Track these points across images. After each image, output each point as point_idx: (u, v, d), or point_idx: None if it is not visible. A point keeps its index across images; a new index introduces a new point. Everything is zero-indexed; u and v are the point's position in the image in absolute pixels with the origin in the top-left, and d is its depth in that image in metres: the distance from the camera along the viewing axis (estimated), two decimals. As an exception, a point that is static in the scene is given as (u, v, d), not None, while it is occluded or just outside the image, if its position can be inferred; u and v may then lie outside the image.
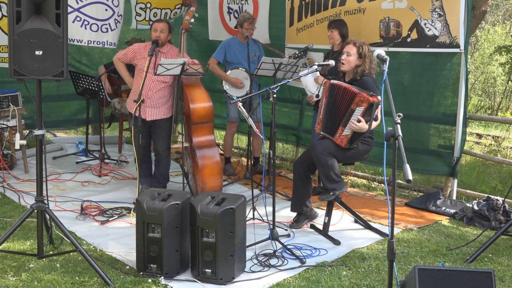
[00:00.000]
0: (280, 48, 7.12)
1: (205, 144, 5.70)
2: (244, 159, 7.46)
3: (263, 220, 5.16)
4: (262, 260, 4.34)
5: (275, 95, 4.63)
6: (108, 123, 8.11)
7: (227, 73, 6.66)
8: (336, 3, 6.32)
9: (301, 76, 5.38)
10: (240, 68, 6.59)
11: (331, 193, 4.83)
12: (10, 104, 6.53)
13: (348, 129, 4.74)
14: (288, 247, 4.55)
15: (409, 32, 5.78)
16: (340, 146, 4.83)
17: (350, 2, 6.17)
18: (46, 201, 3.99)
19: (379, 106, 4.70)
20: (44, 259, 4.14)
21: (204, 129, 5.74)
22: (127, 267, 4.17)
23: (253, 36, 6.68)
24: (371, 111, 4.63)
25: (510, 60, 12.38)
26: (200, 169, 5.59)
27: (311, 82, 5.69)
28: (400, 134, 3.17)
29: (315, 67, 5.10)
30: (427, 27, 5.65)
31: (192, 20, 5.97)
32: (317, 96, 5.32)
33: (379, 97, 4.75)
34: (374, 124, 4.77)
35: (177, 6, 8.12)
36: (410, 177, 3.05)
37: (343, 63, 4.97)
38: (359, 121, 4.68)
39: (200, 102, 5.68)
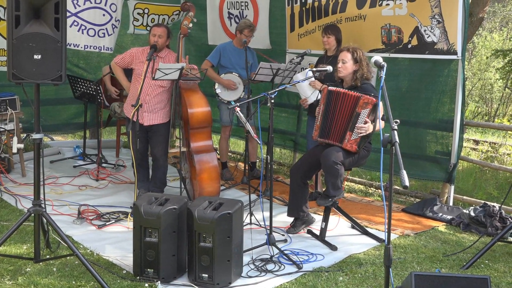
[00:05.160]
0: (281, 53, 7.14)
1: (203, 149, 5.70)
2: (241, 164, 7.46)
3: (260, 225, 5.16)
4: (259, 265, 4.34)
5: (272, 101, 4.65)
6: (105, 125, 8.08)
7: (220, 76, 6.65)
8: (336, 9, 6.33)
9: (298, 82, 5.38)
10: (233, 73, 6.58)
11: (330, 199, 4.84)
12: (8, 107, 6.53)
13: (356, 133, 4.75)
14: (285, 252, 4.55)
15: (410, 39, 5.80)
16: (348, 153, 4.83)
17: (351, 9, 6.19)
18: (43, 205, 3.99)
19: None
20: (40, 263, 4.14)
21: (202, 134, 5.74)
22: (124, 272, 4.16)
23: (253, 41, 6.69)
24: (375, 112, 4.66)
25: (509, 63, 12.32)
26: (198, 174, 5.59)
27: (305, 85, 5.68)
28: (397, 140, 3.18)
29: (311, 73, 5.10)
30: (427, 34, 5.66)
31: (191, 25, 5.97)
32: (316, 101, 5.31)
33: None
34: (378, 126, 4.78)
35: (175, 13, 8.13)
36: (407, 183, 3.07)
37: (340, 71, 4.99)
38: (365, 122, 4.70)
39: (198, 107, 5.68)
